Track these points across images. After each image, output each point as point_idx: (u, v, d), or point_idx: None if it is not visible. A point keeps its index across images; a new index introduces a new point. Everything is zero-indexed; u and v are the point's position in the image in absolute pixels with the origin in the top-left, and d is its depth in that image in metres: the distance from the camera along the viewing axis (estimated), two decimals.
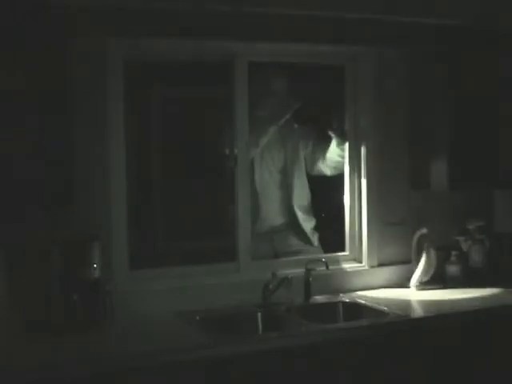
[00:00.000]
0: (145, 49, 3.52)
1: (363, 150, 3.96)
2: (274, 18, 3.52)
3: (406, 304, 3.56)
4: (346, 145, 3.98)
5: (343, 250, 4.03)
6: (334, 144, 4.01)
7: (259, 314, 3.52)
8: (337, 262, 3.92)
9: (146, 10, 3.33)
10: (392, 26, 3.75)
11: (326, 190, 4.20)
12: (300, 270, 3.67)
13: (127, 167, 3.46)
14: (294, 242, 4.14)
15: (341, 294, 3.75)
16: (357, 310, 3.61)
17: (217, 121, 4.03)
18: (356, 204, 4.00)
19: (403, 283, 3.87)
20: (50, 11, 2.94)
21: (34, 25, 2.93)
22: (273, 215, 4.11)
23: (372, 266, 3.95)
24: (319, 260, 3.69)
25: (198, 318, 3.34)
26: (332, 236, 4.19)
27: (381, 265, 3.95)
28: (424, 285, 3.84)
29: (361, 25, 3.71)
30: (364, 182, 3.96)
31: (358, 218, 4.00)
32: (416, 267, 3.88)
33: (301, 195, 4.15)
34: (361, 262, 3.99)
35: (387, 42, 3.84)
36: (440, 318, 3.39)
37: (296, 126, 4.16)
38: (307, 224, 4.15)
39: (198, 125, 4.10)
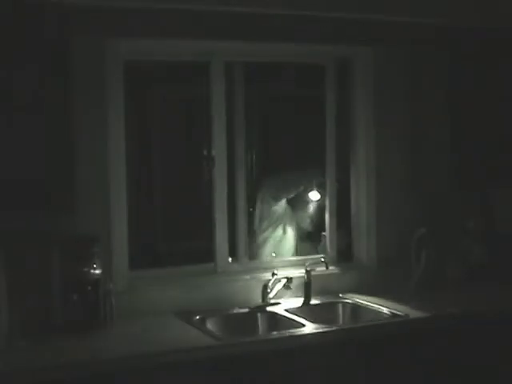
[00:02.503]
0: (145, 49, 3.52)
1: (363, 150, 3.96)
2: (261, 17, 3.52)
3: (405, 305, 3.55)
4: None
5: None
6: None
7: (259, 314, 3.52)
8: (336, 262, 3.93)
9: (146, 10, 3.33)
10: (392, 26, 3.76)
11: None
12: (300, 270, 3.68)
13: (127, 167, 3.46)
14: None
15: (340, 295, 3.75)
16: (356, 310, 3.61)
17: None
18: (355, 204, 4.01)
19: (402, 284, 3.87)
20: (50, 11, 2.94)
21: (34, 25, 2.93)
22: None
23: (371, 267, 3.95)
24: (319, 260, 3.70)
25: (197, 317, 3.34)
26: None
27: (380, 265, 3.95)
28: (423, 285, 3.84)
29: (355, 25, 3.72)
30: (363, 182, 3.97)
31: (357, 219, 4.00)
32: (415, 267, 3.87)
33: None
34: (360, 263, 3.99)
35: (387, 42, 3.85)
36: (440, 319, 3.39)
37: None
38: None
39: (198, 125, 4.10)
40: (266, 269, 3.70)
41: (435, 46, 3.88)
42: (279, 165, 4.37)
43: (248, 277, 3.66)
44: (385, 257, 3.95)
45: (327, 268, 3.64)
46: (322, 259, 3.69)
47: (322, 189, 4.10)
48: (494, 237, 4.08)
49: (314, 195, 4.15)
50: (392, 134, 3.97)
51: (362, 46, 3.87)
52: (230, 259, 3.79)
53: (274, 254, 4.13)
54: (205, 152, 3.71)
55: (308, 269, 3.65)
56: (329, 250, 3.97)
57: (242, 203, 3.78)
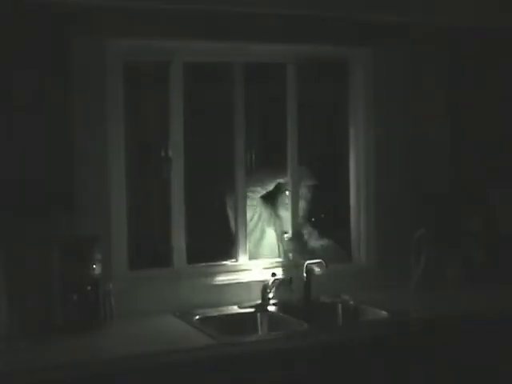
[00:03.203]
0: (144, 49, 3.52)
1: (362, 150, 3.96)
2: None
3: (406, 305, 3.56)
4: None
5: None
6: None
7: (259, 315, 3.52)
8: (336, 262, 3.92)
9: (146, 10, 3.33)
10: (392, 26, 3.76)
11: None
12: (300, 271, 3.68)
13: (127, 167, 3.46)
14: None
15: (340, 295, 3.75)
16: (356, 310, 3.61)
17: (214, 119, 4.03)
18: (355, 204, 4.01)
19: (402, 284, 3.87)
20: (50, 11, 2.94)
21: (34, 25, 2.93)
22: None
23: (371, 267, 3.96)
24: (318, 261, 3.69)
25: (197, 317, 3.34)
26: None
27: (380, 265, 3.95)
28: (423, 285, 3.84)
29: (355, 25, 3.73)
30: (363, 182, 3.97)
31: (356, 219, 4.01)
32: (415, 268, 3.88)
33: None
34: (360, 263, 3.99)
35: (387, 42, 3.85)
36: (439, 319, 3.39)
37: None
38: None
39: (198, 125, 4.09)
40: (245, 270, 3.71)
41: (435, 46, 3.88)
42: (279, 165, 4.35)
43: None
44: (385, 257, 3.95)
45: (327, 268, 3.64)
46: (321, 260, 3.68)
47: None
48: (494, 237, 4.08)
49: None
50: (392, 133, 3.96)
51: (362, 47, 3.87)
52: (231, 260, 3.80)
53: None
54: (162, 153, 3.65)
55: (308, 269, 3.65)
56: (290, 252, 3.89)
57: (241, 203, 3.78)
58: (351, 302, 3.66)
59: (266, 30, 3.60)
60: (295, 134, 3.87)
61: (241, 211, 3.77)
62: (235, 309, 3.53)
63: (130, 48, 3.45)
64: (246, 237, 3.77)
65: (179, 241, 3.63)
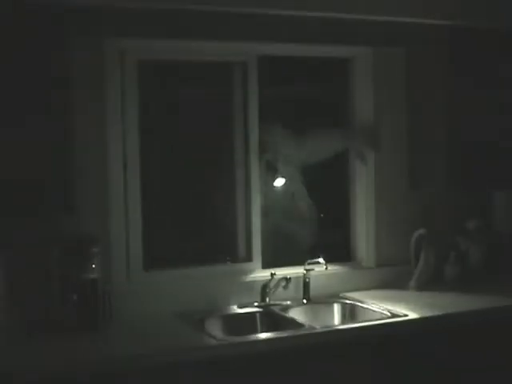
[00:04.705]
0: (144, 49, 3.51)
1: (361, 150, 3.96)
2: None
3: (405, 305, 3.55)
4: None
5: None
6: None
7: (258, 315, 3.52)
8: (335, 262, 3.93)
9: (146, 10, 3.33)
10: (392, 26, 3.76)
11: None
12: (299, 271, 3.68)
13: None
14: None
15: (340, 295, 3.75)
16: (356, 310, 3.62)
17: (215, 119, 4.03)
18: (354, 204, 4.01)
19: (402, 284, 3.87)
20: (50, 11, 2.95)
21: (34, 25, 2.93)
22: None
23: (370, 267, 3.96)
24: (318, 260, 3.70)
25: (197, 318, 3.34)
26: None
27: (379, 265, 3.95)
28: (423, 285, 3.84)
29: (355, 25, 3.72)
30: (362, 182, 3.97)
31: (356, 219, 4.01)
32: (414, 268, 3.88)
33: None
34: (359, 263, 3.99)
35: (387, 43, 3.85)
36: (439, 319, 3.39)
37: None
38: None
39: (197, 126, 4.10)
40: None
41: (435, 46, 3.88)
42: None
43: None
44: (384, 257, 3.95)
45: (326, 268, 3.64)
46: (321, 259, 3.68)
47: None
48: (493, 237, 4.08)
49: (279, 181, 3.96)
50: (392, 133, 3.97)
51: (362, 46, 3.88)
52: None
53: None
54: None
55: (307, 268, 3.66)
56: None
57: (241, 203, 3.78)
58: (351, 302, 3.66)
59: (266, 29, 3.60)
60: (255, 135, 3.76)
61: (241, 211, 3.77)
62: (235, 309, 3.53)
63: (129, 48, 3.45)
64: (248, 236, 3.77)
65: (136, 244, 3.49)
